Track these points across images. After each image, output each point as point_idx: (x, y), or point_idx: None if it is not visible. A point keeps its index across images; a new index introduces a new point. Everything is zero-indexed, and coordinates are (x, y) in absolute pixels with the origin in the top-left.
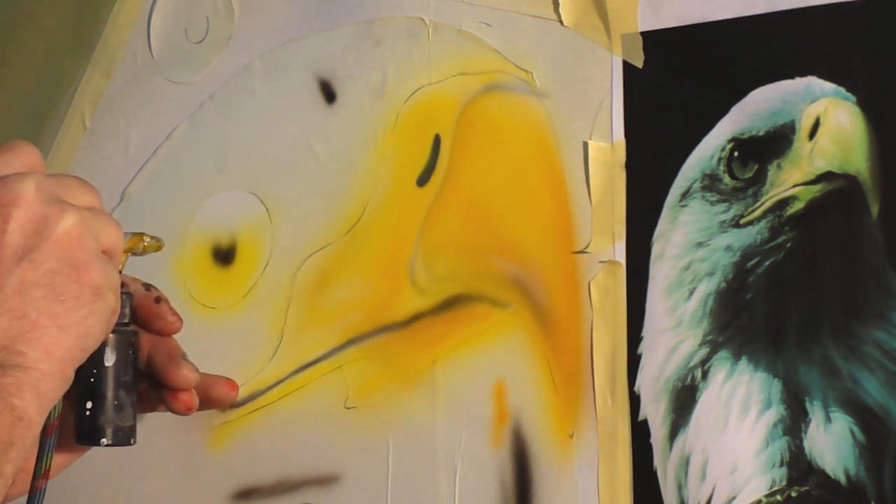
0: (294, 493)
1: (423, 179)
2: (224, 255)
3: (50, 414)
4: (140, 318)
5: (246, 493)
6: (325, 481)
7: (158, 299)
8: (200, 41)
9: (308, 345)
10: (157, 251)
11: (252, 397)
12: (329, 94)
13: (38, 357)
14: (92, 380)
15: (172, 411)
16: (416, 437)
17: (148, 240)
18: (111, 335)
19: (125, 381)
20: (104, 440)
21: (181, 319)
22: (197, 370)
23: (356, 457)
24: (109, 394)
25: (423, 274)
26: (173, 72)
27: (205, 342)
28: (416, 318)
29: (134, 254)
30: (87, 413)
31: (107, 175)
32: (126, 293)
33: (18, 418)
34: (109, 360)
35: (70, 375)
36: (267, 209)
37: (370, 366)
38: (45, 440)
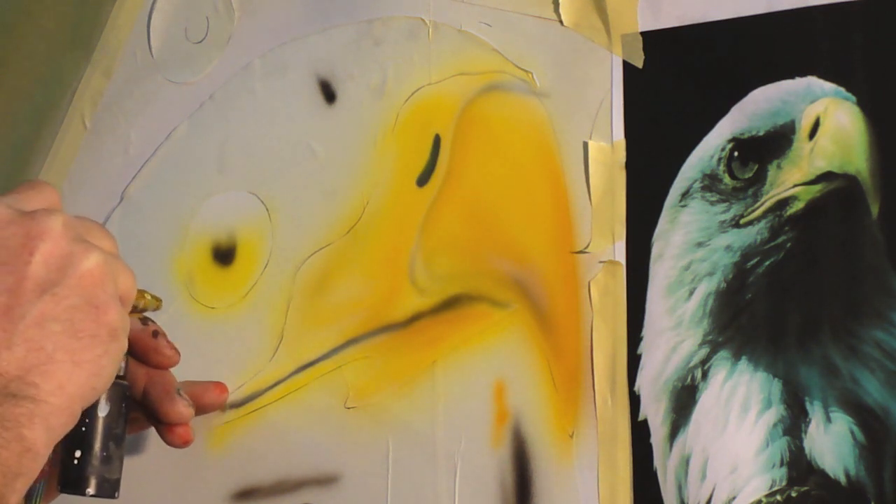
0: (294, 493)
1: (423, 179)
2: (224, 255)
3: None
4: (137, 351)
5: (246, 493)
6: (324, 481)
7: (156, 333)
8: (200, 41)
9: (308, 345)
10: (155, 310)
11: (252, 397)
12: (329, 94)
13: (51, 390)
14: (83, 429)
15: (169, 444)
16: (415, 436)
17: (149, 297)
18: None
19: (116, 434)
20: (89, 490)
21: (178, 353)
22: (192, 405)
23: (356, 457)
24: (98, 445)
25: (423, 274)
26: (173, 72)
27: (205, 342)
28: (416, 318)
29: (135, 308)
30: (76, 462)
31: (107, 175)
32: None
33: (27, 449)
34: (103, 410)
35: (78, 413)
36: (267, 209)
37: (370, 366)
38: (35, 485)
